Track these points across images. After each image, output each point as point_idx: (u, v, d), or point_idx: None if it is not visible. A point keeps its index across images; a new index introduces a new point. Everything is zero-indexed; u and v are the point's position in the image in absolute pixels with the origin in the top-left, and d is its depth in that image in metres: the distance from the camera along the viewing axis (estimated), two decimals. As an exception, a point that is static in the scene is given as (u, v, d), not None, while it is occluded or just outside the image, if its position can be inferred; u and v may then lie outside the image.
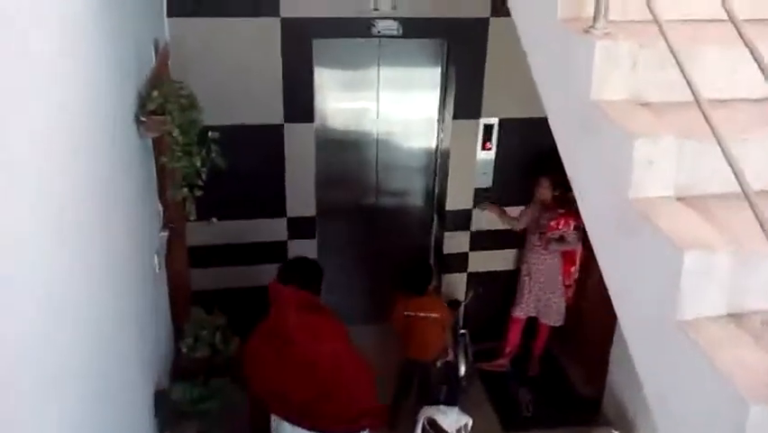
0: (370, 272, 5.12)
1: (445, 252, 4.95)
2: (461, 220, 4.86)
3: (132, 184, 2.90)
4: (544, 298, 4.69)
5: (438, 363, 4.37)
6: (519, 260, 4.87)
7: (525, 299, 4.74)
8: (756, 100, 1.84)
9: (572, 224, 4.45)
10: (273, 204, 4.54)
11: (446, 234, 4.91)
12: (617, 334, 4.24)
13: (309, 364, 3.08)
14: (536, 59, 2.06)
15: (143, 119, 2.91)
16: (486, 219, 4.86)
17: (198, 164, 3.04)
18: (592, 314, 4.81)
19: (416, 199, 5.12)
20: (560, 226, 4.46)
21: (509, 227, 4.78)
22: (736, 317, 1.44)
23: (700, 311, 1.42)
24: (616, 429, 3.95)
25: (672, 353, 1.42)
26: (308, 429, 3.15)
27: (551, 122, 1.95)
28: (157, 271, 3.31)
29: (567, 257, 4.62)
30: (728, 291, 1.43)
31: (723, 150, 1.35)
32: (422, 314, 4.27)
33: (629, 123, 1.62)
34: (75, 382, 1.89)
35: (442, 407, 3.46)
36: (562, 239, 4.49)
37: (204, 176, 3.15)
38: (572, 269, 4.65)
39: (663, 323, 1.44)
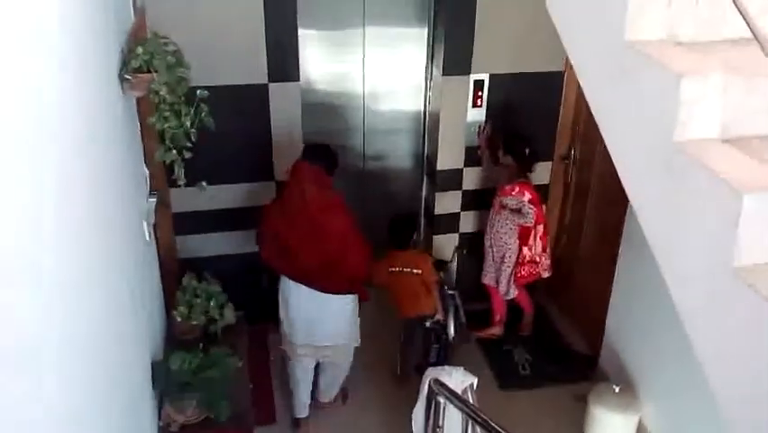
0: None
1: (436, 212, 4.86)
2: (453, 180, 4.76)
3: (118, 147, 2.75)
4: (499, 269, 4.60)
5: (428, 323, 4.32)
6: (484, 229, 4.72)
7: (490, 268, 4.66)
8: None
9: (527, 195, 4.33)
10: (260, 167, 4.38)
11: (437, 194, 4.81)
12: (615, 290, 4.22)
13: (320, 236, 3.59)
14: (561, 5, 1.93)
15: (128, 77, 2.74)
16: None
17: (188, 124, 2.89)
18: (583, 272, 4.79)
19: (406, 159, 5.01)
20: (513, 193, 4.33)
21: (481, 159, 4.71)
22: (793, 263, 1.37)
23: (757, 257, 1.34)
24: (616, 385, 3.94)
25: (729, 302, 1.34)
26: (307, 286, 3.71)
27: (578, 71, 1.84)
28: (147, 239, 3.17)
29: (522, 235, 4.47)
30: (786, 235, 1.36)
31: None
32: (406, 269, 4.23)
33: (671, 61, 1.52)
34: (73, 358, 1.76)
35: (447, 367, 3.42)
36: (519, 211, 4.35)
37: (193, 138, 3.00)
38: (525, 249, 4.50)
39: (718, 271, 1.36)
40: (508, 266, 4.54)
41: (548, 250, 4.61)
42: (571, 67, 4.44)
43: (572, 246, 4.94)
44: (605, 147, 4.30)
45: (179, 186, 3.26)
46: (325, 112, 4.65)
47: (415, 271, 4.25)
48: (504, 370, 4.58)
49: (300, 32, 4.22)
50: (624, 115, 1.66)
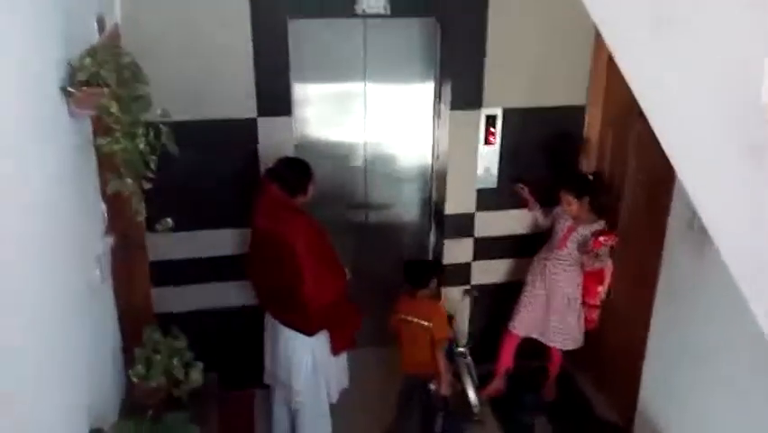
0: (362, 290, 4.28)
1: (445, 262, 4.36)
2: (463, 226, 4.28)
3: (56, 174, 2.32)
4: (556, 317, 4.07)
5: (432, 386, 3.76)
6: (529, 270, 4.20)
7: (531, 315, 4.13)
8: None
9: (612, 239, 3.88)
10: (248, 211, 3.93)
11: (446, 242, 4.32)
12: (651, 349, 3.67)
13: (267, 258, 3.40)
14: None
15: (72, 90, 2.33)
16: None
17: (142, 146, 2.46)
18: (612, 329, 4.23)
19: (412, 203, 4.54)
20: (606, 242, 3.86)
21: (535, 221, 4.26)
22: None
23: None
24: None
25: None
26: (265, 310, 3.63)
27: (606, 33, 1.37)
28: (100, 283, 2.70)
29: (593, 274, 4.02)
30: None
31: None
32: (414, 319, 3.72)
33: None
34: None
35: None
36: (597, 255, 3.89)
37: (153, 165, 2.57)
38: (599, 288, 4.04)
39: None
40: (575, 310, 4.06)
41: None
42: (594, 101, 4.03)
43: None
44: (634, 189, 3.82)
45: (156, 230, 2.87)
46: (322, 148, 4.21)
47: (424, 323, 3.72)
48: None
49: (293, 59, 3.83)
50: (674, 81, 1.18)
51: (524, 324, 4.16)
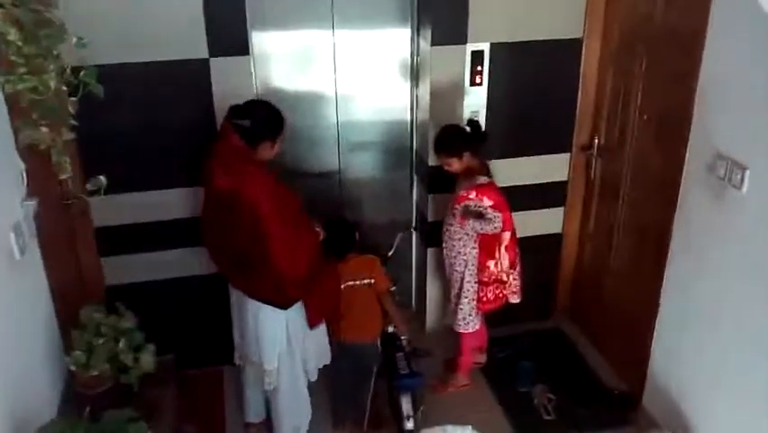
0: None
1: (431, 219, 3.92)
2: (450, 179, 3.81)
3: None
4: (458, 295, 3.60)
5: (389, 329, 3.59)
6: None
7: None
8: None
9: (487, 200, 3.31)
10: (200, 168, 3.44)
11: (430, 197, 3.88)
12: (664, 307, 3.29)
13: (224, 221, 2.89)
14: None
15: (-46, 10, 1.82)
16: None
17: (54, 85, 1.96)
18: (616, 288, 3.85)
19: (390, 155, 4.07)
20: (470, 197, 3.33)
21: None
22: None
23: None
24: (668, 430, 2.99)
25: None
26: (234, 286, 3.10)
27: None
28: (17, 257, 2.22)
29: (483, 245, 3.45)
30: None
31: None
32: (357, 282, 3.38)
33: None
34: None
35: (449, 428, 2.46)
36: (480, 215, 3.34)
37: (73, 109, 2.09)
38: (490, 263, 3.47)
39: None
40: (470, 282, 3.51)
41: (518, 268, 3.56)
42: (592, 33, 3.55)
43: (600, 258, 4.00)
44: (639, 131, 3.37)
45: (98, 194, 2.38)
46: (287, 98, 3.71)
47: (366, 281, 3.39)
48: (523, 416, 3.61)
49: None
50: None
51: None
